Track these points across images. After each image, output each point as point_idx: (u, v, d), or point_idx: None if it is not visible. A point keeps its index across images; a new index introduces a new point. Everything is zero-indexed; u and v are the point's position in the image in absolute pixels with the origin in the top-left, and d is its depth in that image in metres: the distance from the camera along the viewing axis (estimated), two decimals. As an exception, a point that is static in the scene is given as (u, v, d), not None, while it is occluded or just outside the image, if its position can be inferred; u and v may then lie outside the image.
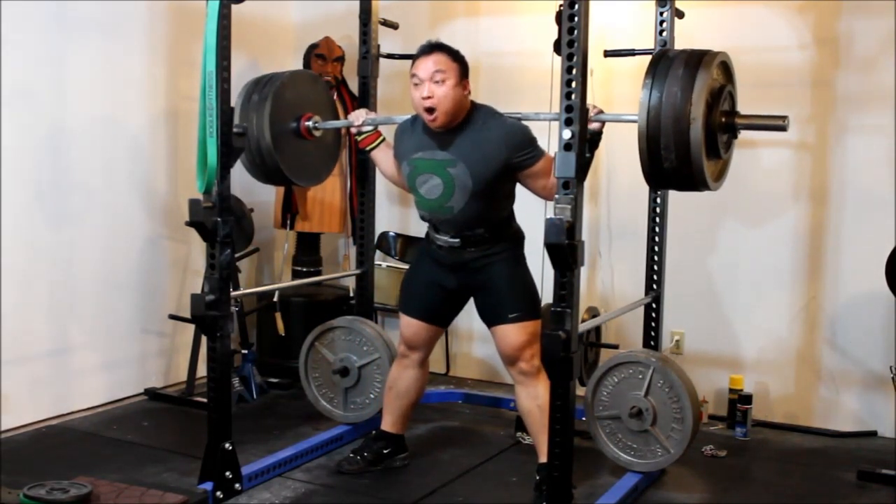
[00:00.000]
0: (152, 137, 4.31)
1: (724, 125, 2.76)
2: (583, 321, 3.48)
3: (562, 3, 2.58)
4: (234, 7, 2.96)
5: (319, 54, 4.60)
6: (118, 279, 4.18)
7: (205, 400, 3.41)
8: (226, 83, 2.94)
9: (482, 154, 3.01)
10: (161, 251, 4.39)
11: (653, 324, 3.60)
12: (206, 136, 2.88)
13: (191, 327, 4.21)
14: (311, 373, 3.82)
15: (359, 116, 3.41)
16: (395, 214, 4.84)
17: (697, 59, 2.65)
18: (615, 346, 3.91)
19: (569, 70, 2.58)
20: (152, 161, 4.31)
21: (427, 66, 3.00)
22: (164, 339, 4.43)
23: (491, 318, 3.17)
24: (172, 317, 4.26)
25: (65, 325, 3.94)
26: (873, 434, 3.90)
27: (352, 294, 4.27)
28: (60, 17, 3.82)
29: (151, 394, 4.28)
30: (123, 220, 4.19)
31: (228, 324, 3.07)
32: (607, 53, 3.74)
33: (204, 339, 3.38)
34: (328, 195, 4.64)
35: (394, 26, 3.94)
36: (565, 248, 2.55)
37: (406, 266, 4.43)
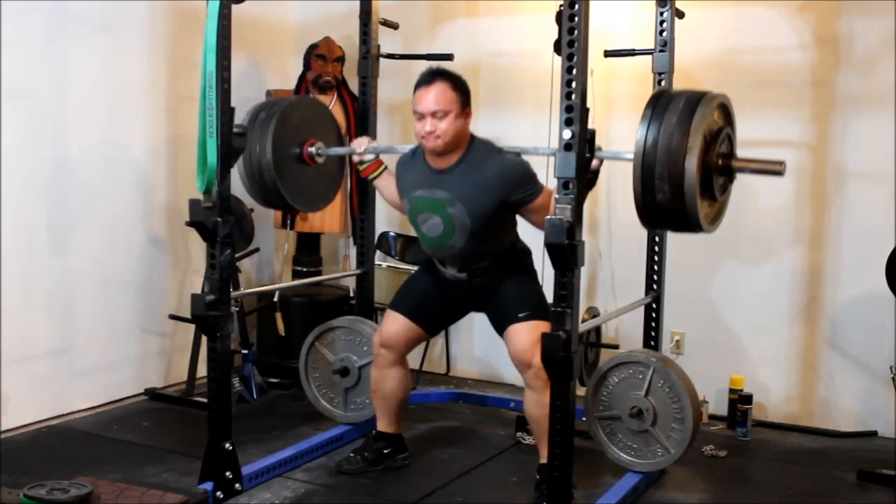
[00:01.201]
0: (152, 137, 4.30)
1: (721, 167, 2.71)
2: (583, 321, 3.48)
3: (562, 3, 2.58)
4: (234, 7, 2.96)
5: (319, 54, 4.60)
6: (118, 279, 4.18)
7: (205, 400, 3.41)
8: (226, 83, 2.94)
9: (480, 193, 3.03)
10: (161, 251, 4.39)
11: (653, 324, 3.61)
12: (206, 136, 2.88)
13: (191, 327, 4.21)
14: (312, 373, 3.82)
15: (361, 144, 3.41)
16: (395, 214, 4.83)
17: (697, 98, 2.64)
18: (615, 346, 3.91)
19: (569, 70, 2.58)
20: (152, 161, 4.31)
21: (428, 101, 3.00)
22: (164, 339, 4.43)
23: (502, 322, 3.16)
24: (172, 317, 4.26)
25: (65, 325, 3.94)
26: (873, 434, 3.90)
27: (352, 294, 4.27)
28: (60, 17, 3.82)
29: (151, 394, 4.28)
30: (123, 220, 4.19)
31: (228, 324, 3.07)
32: (607, 53, 3.74)
33: (204, 339, 3.38)
34: (328, 195, 4.64)
35: (394, 26, 3.94)
36: (565, 248, 2.55)
37: (406, 266, 4.44)
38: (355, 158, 3.44)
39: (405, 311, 3.33)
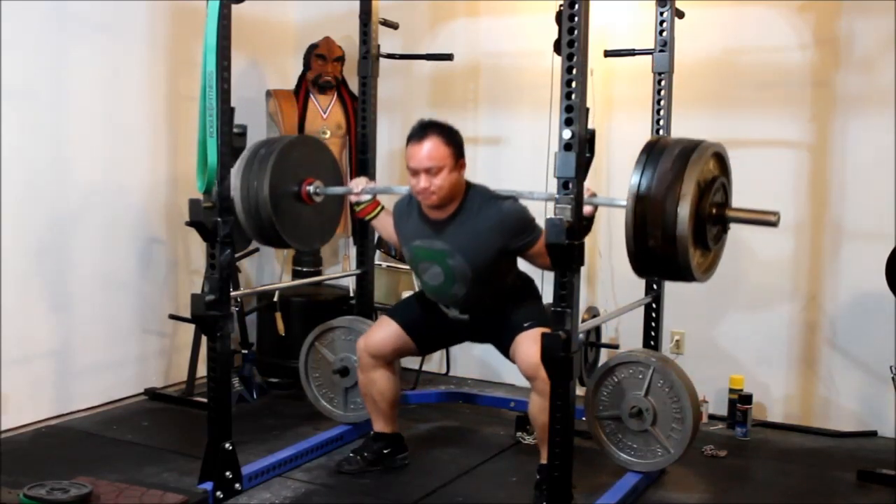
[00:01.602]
0: (152, 137, 4.31)
1: (715, 216, 2.71)
2: (583, 321, 3.48)
3: (562, 3, 2.58)
4: (234, 7, 2.96)
5: (319, 54, 4.60)
6: (118, 279, 4.18)
7: (205, 400, 3.41)
8: (226, 83, 2.94)
9: (478, 244, 3.04)
10: (161, 251, 4.39)
11: (653, 324, 3.61)
12: (206, 136, 2.88)
13: (191, 327, 4.21)
14: (312, 373, 3.82)
15: (358, 185, 3.43)
16: (395, 214, 4.84)
17: (692, 147, 2.63)
18: (615, 346, 3.91)
19: (569, 70, 2.57)
20: (152, 161, 4.31)
21: (421, 158, 2.99)
22: (164, 339, 4.43)
23: (508, 337, 3.15)
24: (172, 317, 4.26)
25: (65, 325, 3.94)
26: (873, 434, 3.90)
27: (352, 294, 4.27)
28: (60, 17, 3.82)
29: (151, 394, 4.28)
30: (123, 219, 4.19)
31: (228, 324, 3.07)
32: (607, 53, 3.74)
33: (204, 339, 3.38)
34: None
35: (394, 26, 3.94)
36: (565, 248, 2.55)
37: (406, 266, 4.43)
38: (352, 199, 3.46)
39: (401, 320, 3.32)
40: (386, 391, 3.37)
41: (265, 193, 3.26)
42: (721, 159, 2.79)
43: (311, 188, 3.43)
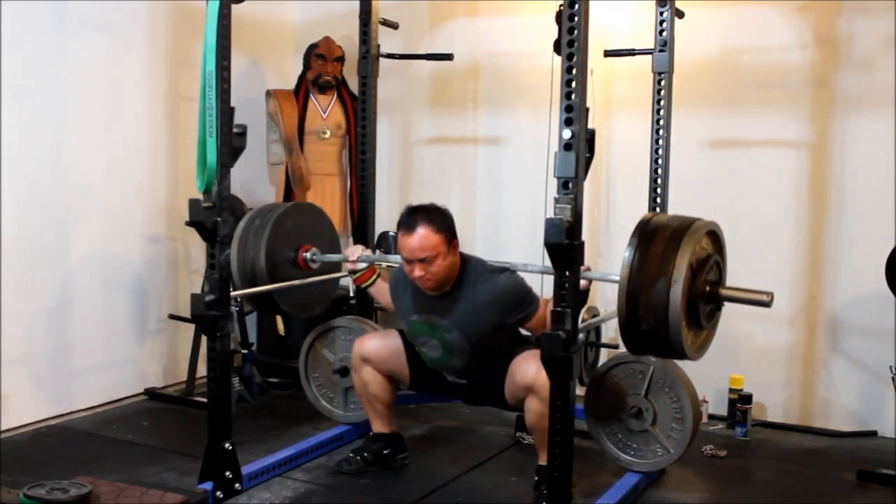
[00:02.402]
0: (152, 137, 4.31)
1: (708, 294, 2.70)
2: (583, 321, 3.48)
3: (562, 3, 2.58)
4: (234, 7, 2.96)
5: (319, 54, 4.60)
6: (118, 279, 4.18)
7: (205, 400, 3.41)
8: (226, 83, 2.94)
9: (475, 319, 3.05)
10: (161, 251, 4.39)
11: (653, 324, 3.60)
12: (206, 136, 2.88)
13: (191, 327, 4.21)
14: (311, 373, 3.82)
15: (354, 253, 3.46)
16: (395, 214, 4.81)
17: (686, 225, 2.63)
18: (615, 346, 3.91)
19: (569, 70, 2.57)
20: (152, 161, 4.31)
21: (413, 249, 3.00)
22: (164, 339, 4.43)
23: (505, 377, 3.14)
24: (172, 317, 4.26)
25: (65, 325, 3.94)
26: (873, 434, 3.91)
27: (352, 294, 4.27)
28: (60, 17, 3.82)
29: (151, 394, 4.28)
30: (123, 219, 4.19)
31: (228, 324, 3.07)
32: (607, 53, 3.74)
33: (204, 339, 3.38)
34: (328, 195, 4.64)
35: (394, 26, 3.94)
36: (565, 248, 2.55)
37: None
38: (348, 266, 3.48)
39: (407, 344, 3.31)
40: (379, 393, 3.38)
41: (262, 265, 3.31)
42: (715, 237, 2.78)
43: (307, 255, 3.48)
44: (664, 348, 2.64)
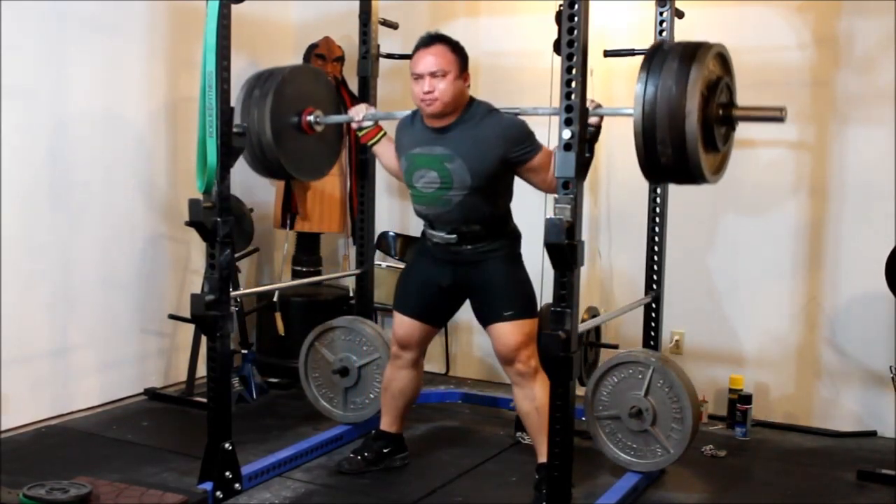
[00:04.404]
0: (152, 137, 4.31)
1: (722, 117, 2.71)
2: (583, 321, 3.48)
3: (562, 3, 2.58)
4: (234, 7, 2.97)
5: (319, 54, 4.60)
6: (118, 279, 4.18)
7: (205, 400, 3.41)
8: (226, 83, 2.94)
9: (479, 150, 3.02)
10: (161, 251, 4.39)
11: (653, 324, 3.60)
12: (206, 136, 2.88)
13: (191, 327, 4.21)
14: (311, 373, 3.82)
15: (359, 112, 3.41)
16: (395, 214, 4.84)
17: (692, 52, 2.61)
18: (615, 346, 3.91)
19: (569, 70, 2.58)
20: (152, 161, 4.31)
21: (427, 61, 3.00)
22: (164, 339, 4.43)
23: (486, 316, 3.17)
24: (172, 317, 4.26)
25: (65, 325, 3.94)
26: (873, 434, 3.91)
27: (352, 294, 4.27)
28: (60, 17, 3.82)
29: (151, 394, 4.28)
30: (123, 219, 4.19)
31: (228, 324, 3.07)
32: (607, 53, 3.74)
33: (204, 339, 3.38)
34: (328, 195, 4.64)
35: (394, 26, 3.94)
36: (565, 248, 2.55)
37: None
38: (354, 125, 3.44)
39: (409, 311, 3.32)
40: (407, 390, 3.40)
41: (268, 137, 3.27)
42: (723, 59, 2.77)
43: (311, 118, 3.43)
44: (683, 175, 2.66)
